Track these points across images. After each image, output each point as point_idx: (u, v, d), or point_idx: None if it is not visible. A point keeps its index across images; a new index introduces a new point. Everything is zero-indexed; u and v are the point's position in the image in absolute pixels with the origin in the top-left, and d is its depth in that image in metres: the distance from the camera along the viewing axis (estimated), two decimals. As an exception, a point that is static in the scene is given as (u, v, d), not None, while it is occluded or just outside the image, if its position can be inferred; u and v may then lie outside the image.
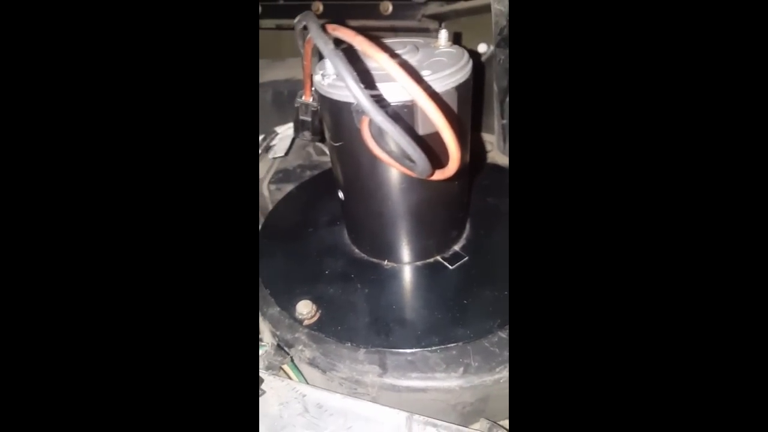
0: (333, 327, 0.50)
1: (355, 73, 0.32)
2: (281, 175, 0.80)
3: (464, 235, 0.60)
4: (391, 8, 0.76)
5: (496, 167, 0.73)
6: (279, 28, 0.87)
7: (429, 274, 0.55)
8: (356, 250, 0.59)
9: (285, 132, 0.79)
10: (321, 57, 0.48)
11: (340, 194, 0.56)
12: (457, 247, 0.58)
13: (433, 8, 0.74)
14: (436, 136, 0.34)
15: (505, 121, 0.69)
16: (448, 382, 0.45)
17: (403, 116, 0.43)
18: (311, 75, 0.48)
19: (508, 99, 0.66)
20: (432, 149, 0.37)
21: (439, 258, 0.57)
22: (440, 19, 0.76)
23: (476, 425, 0.46)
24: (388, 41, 0.51)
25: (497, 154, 0.75)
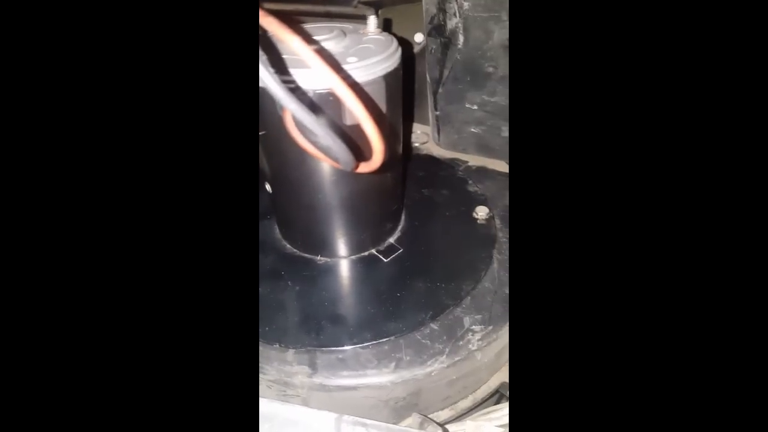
0: (260, 328, 0.47)
1: (266, 59, 0.30)
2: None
3: (399, 227, 0.59)
4: (326, -8, 0.73)
5: (431, 158, 0.73)
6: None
7: (363, 268, 0.54)
8: (287, 246, 0.57)
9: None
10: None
11: (268, 187, 0.53)
12: (392, 240, 0.58)
13: (369, -6, 0.71)
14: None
15: (439, 113, 0.69)
16: (380, 377, 0.44)
17: (330, 106, 0.41)
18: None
19: (440, 90, 0.65)
20: (361, 138, 0.35)
21: (373, 251, 0.56)
22: (376, 6, 0.74)
23: (408, 420, 0.46)
24: (313, 26, 0.48)
25: (432, 145, 0.75)
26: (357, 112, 0.31)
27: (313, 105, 0.41)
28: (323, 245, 0.55)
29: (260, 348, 0.46)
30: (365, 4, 0.74)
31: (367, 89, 0.42)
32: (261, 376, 0.45)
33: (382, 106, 0.44)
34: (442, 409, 0.49)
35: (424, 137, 0.77)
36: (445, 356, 0.45)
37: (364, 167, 0.37)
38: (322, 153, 0.39)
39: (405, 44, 0.48)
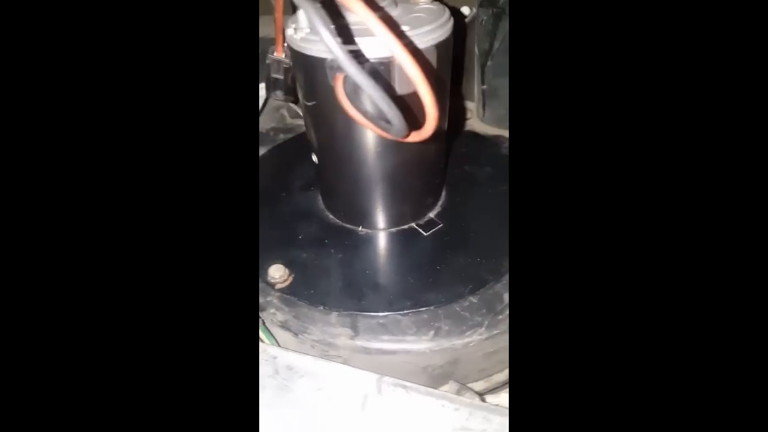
0: (306, 291, 0.49)
1: (330, 25, 0.30)
2: (254, 138, 0.78)
3: (440, 203, 0.60)
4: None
5: (475, 135, 0.73)
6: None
7: (403, 241, 0.55)
8: (330, 216, 0.58)
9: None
10: (294, 10, 0.45)
11: (314, 158, 0.54)
12: (432, 214, 0.58)
13: (416, -35, 0.70)
14: (415, 96, 0.32)
15: (486, 87, 0.67)
16: (419, 344, 0.45)
17: (381, 74, 0.41)
18: (283, 29, 0.45)
19: (489, 62, 0.64)
20: (409, 110, 0.35)
21: (414, 225, 0.57)
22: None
23: (445, 387, 0.47)
24: (366, -5, 0.48)
25: (476, 121, 0.74)
26: (414, 77, 0.31)
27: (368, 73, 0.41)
28: (365, 216, 0.56)
29: (305, 309, 0.48)
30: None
31: (419, 57, 0.42)
32: (305, 336, 0.47)
33: (433, 74, 0.44)
34: (478, 380, 0.50)
35: (468, 113, 0.76)
36: (483, 328, 0.46)
37: (415, 136, 0.37)
38: (372, 122, 0.39)
39: (453, 13, 0.47)
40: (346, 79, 0.39)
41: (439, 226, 0.57)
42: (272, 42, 0.81)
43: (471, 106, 0.75)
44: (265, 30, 0.82)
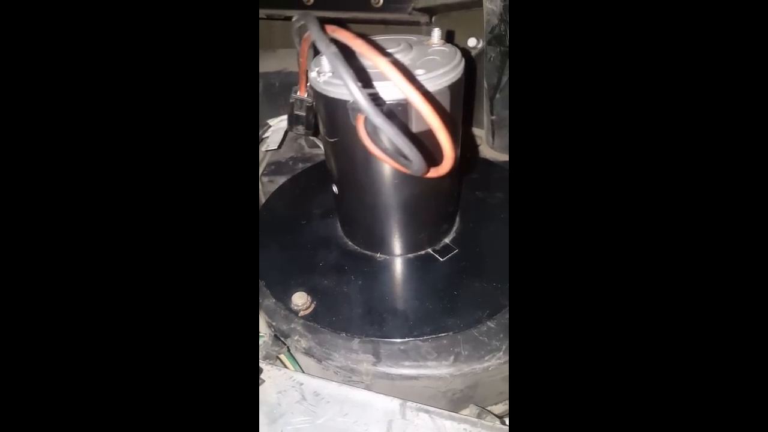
0: (328, 318, 0.51)
1: (353, 74, 0.33)
2: (273, 168, 0.81)
3: (454, 228, 0.62)
4: (381, 0, 0.76)
5: (486, 161, 0.75)
6: (270, 18, 0.86)
7: (420, 266, 0.57)
8: (349, 243, 0.61)
9: (278, 124, 0.79)
10: (316, 53, 0.48)
11: (334, 188, 0.57)
12: (447, 240, 0.60)
13: (424, 1, 0.74)
14: (430, 133, 0.35)
15: (494, 117, 0.70)
16: (439, 370, 0.47)
17: (397, 114, 0.44)
18: (306, 71, 0.49)
19: (498, 95, 0.67)
20: (426, 146, 0.38)
21: (430, 250, 0.59)
22: (431, 12, 0.76)
23: (465, 411, 0.48)
24: (381, 38, 0.52)
25: (486, 148, 0.77)
26: (433, 124, 0.34)
27: (386, 114, 0.44)
28: (383, 243, 0.58)
29: (328, 336, 0.50)
30: (420, 10, 0.77)
31: (434, 100, 0.45)
32: (329, 362, 0.49)
33: (447, 114, 0.47)
34: (497, 403, 0.51)
35: (478, 140, 0.78)
36: (502, 353, 0.47)
37: (433, 172, 0.40)
38: (392, 159, 0.42)
39: (463, 52, 0.50)
40: (367, 121, 0.42)
41: (455, 251, 0.58)
42: (288, 75, 0.86)
43: (480, 132, 0.78)
44: (278, 63, 0.87)
